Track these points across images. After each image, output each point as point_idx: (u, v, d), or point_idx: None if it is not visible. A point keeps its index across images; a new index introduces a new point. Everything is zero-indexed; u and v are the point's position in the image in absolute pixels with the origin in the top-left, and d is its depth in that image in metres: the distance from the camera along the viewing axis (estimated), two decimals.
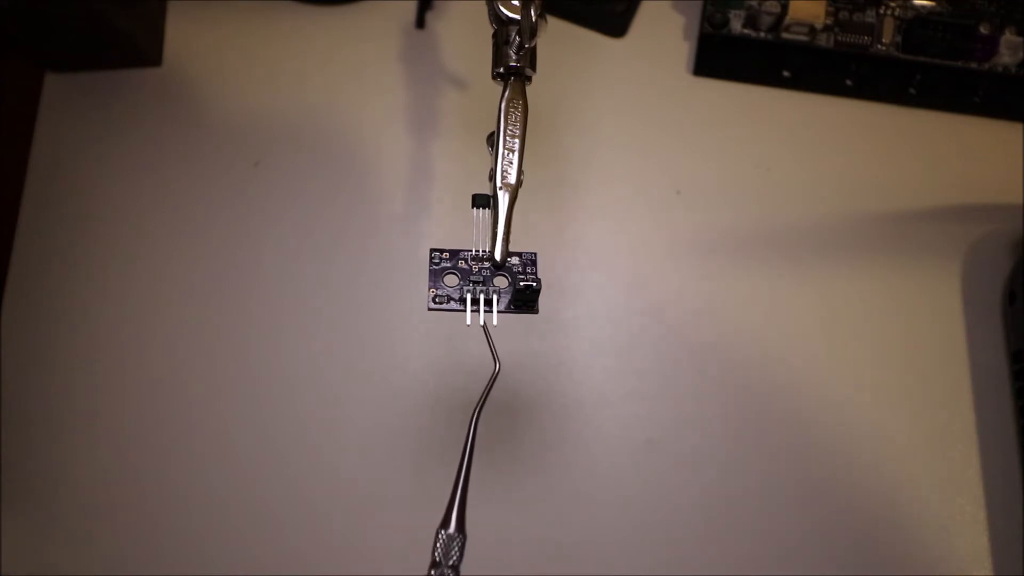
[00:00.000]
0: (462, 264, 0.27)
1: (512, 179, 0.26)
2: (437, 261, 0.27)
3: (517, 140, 0.26)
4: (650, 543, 0.39)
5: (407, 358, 0.41)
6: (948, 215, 0.42)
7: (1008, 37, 0.41)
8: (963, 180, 0.43)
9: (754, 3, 0.42)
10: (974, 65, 0.42)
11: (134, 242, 0.42)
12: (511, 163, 0.26)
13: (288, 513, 0.39)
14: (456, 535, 0.24)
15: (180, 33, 0.45)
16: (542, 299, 0.27)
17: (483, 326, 0.27)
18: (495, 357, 0.26)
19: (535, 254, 0.28)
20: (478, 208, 0.27)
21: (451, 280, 0.27)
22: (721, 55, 0.43)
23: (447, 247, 0.27)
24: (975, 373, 0.40)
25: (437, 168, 0.43)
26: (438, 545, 0.24)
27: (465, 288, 0.27)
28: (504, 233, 0.26)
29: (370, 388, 0.40)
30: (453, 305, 0.27)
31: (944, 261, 0.42)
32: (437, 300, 0.27)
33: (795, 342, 0.41)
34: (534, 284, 0.26)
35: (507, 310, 0.27)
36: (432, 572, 0.23)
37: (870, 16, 0.42)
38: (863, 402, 0.40)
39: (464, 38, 0.44)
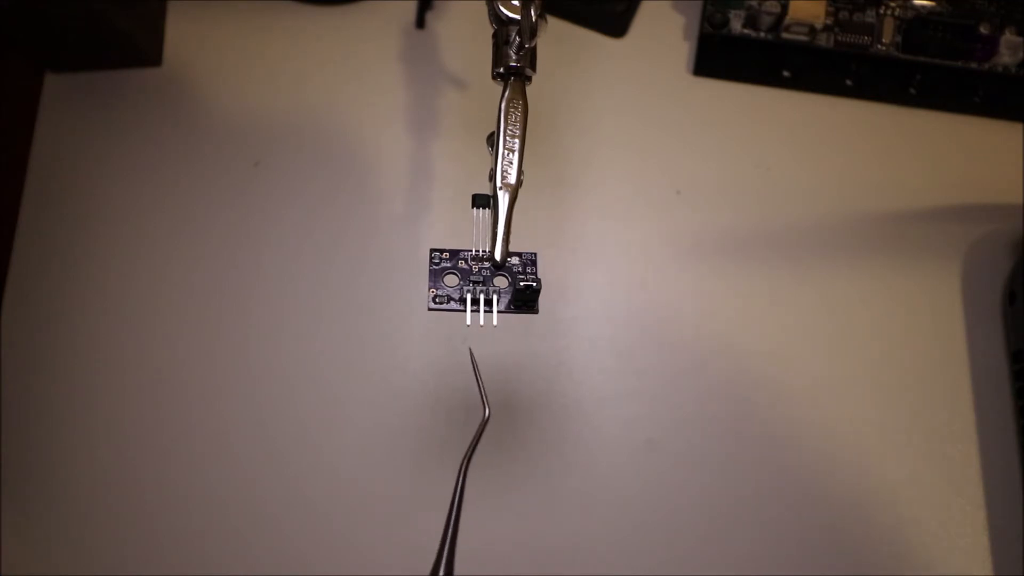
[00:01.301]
0: (462, 264, 0.27)
1: (512, 179, 0.26)
2: (437, 261, 0.27)
3: (517, 140, 0.26)
4: (650, 543, 0.39)
5: (407, 358, 0.41)
6: (948, 215, 0.42)
7: (1008, 37, 0.41)
8: (963, 180, 0.43)
9: (754, 3, 0.42)
10: (974, 65, 0.42)
11: (134, 242, 0.42)
12: (511, 163, 0.26)
13: (288, 513, 0.39)
14: None
15: (180, 33, 0.45)
16: (542, 299, 0.27)
17: (474, 369, 0.26)
18: (485, 403, 0.25)
19: (535, 254, 0.28)
20: (478, 208, 0.27)
21: (451, 280, 0.27)
22: (721, 55, 0.43)
23: (447, 247, 0.27)
24: (975, 373, 0.40)
25: (437, 168, 0.43)
26: None
27: (465, 288, 0.27)
28: (504, 233, 0.26)
29: (370, 388, 0.40)
30: (453, 305, 0.27)
31: (944, 261, 0.42)
32: (437, 300, 0.27)
33: (795, 342, 0.41)
34: (534, 284, 0.26)
35: (507, 310, 0.27)
36: None
37: (870, 16, 0.42)
38: (863, 402, 0.40)
39: (464, 38, 0.44)
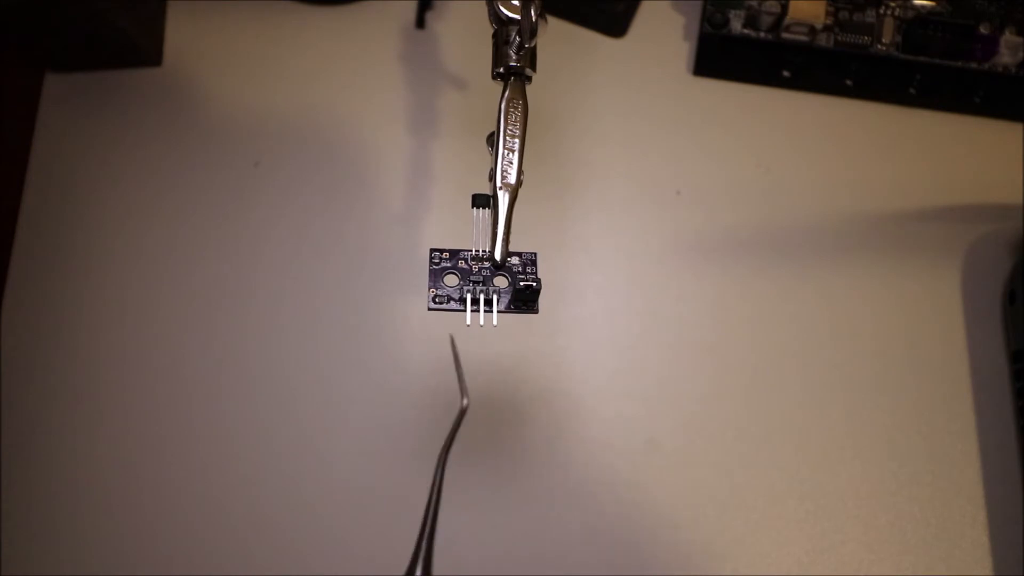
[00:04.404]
0: (462, 264, 0.27)
1: (512, 179, 0.26)
2: (437, 261, 0.27)
3: (517, 140, 0.26)
4: (650, 543, 0.39)
5: (407, 358, 0.41)
6: (948, 215, 0.42)
7: (1008, 37, 0.41)
8: (963, 180, 0.43)
9: (754, 3, 0.42)
10: (974, 65, 0.42)
11: (134, 242, 0.42)
12: (511, 163, 0.26)
13: (287, 513, 0.39)
14: None
15: (180, 33, 0.45)
16: (542, 299, 0.27)
17: (455, 358, 0.25)
18: (463, 392, 0.24)
19: (535, 254, 0.28)
20: (478, 208, 0.27)
21: (451, 280, 0.27)
22: (721, 55, 0.43)
23: (447, 247, 0.27)
24: (975, 373, 0.40)
25: (437, 168, 0.43)
26: None
27: (465, 288, 0.27)
28: (504, 233, 0.26)
29: (370, 388, 0.40)
30: (453, 305, 0.27)
31: (944, 261, 0.42)
32: (437, 300, 0.27)
33: (795, 342, 0.41)
34: (534, 284, 0.26)
35: (507, 310, 0.27)
36: None
37: (870, 16, 0.42)
38: (863, 402, 0.40)
39: (464, 38, 0.44)
